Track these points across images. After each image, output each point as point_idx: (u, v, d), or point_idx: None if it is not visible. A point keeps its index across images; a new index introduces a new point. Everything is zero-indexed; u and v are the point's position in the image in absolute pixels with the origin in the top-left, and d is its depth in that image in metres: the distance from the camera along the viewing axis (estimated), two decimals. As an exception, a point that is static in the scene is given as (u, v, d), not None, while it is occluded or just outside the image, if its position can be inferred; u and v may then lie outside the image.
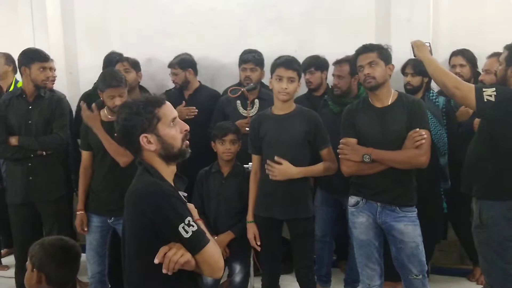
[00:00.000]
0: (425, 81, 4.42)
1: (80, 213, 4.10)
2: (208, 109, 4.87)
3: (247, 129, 4.34)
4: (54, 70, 4.97)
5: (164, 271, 2.14)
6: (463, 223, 4.47)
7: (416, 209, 3.59)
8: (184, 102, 4.90)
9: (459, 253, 5.11)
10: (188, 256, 2.16)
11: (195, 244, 2.18)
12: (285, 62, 3.75)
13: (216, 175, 4.14)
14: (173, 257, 2.13)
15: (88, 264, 4.16)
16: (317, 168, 3.79)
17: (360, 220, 3.66)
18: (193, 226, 2.17)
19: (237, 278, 4.14)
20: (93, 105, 4.01)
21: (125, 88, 3.94)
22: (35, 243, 2.66)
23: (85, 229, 4.10)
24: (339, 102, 4.35)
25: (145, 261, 2.20)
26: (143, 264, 2.23)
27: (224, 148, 4.04)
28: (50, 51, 5.26)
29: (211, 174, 4.17)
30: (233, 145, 4.05)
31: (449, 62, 4.81)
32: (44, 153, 4.25)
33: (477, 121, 4.08)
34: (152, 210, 2.16)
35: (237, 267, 4.11)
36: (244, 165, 4.05)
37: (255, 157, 3.87)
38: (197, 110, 4.83)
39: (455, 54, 4.76)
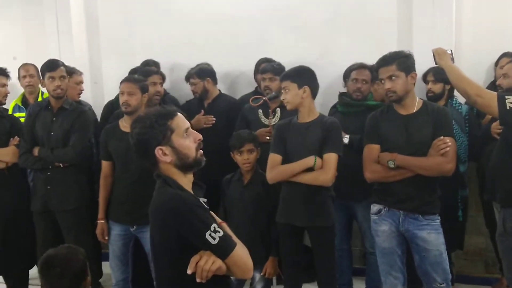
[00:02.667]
0: (446, 88, 4.40)
1: (100, 222, 4.15)
2: (227, 116, 4.91)
3: (267, 137, 4.38)
4: (82, 83, 5.09)
5: (198, 280, 2.19)
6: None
7: (439, 217, 3.57)
8: (202, 111, 4.94)
9: (483, 262, 5.05)
10: (219, 262, 2.20)
11: (223, 249, 2.22)
12: (281, 76, 3.89)
13: (237, 183, 4.15)
14: (204, 266, 2.17)
15: (112, 272, 4.21)
16: (304, 166, 3.68)
17: (383, 228, 3.66)
18: (219, 232, 2.21)
19: (258, 286, 4.14)
20: None
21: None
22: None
23: (106, 237, 4.15)
24: (348, 104, 4.42)
25: (177, 272, 2.25)
26: (175, 275, 2.28)
27: (242, 158, 4.04)
28: (75, 62, 5.41)
29: (232, 182, 4.18)
30: (251, 154, 4.05)
31: (496, 64, 4.76)
32: (61, 165, 4.30)
33: (494, 125, 4.06)
34: (178, 223, 2.21)
35: (257, 276, 4.11)
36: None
37: (275, 156, 3.81)
38: (215, 119, 4.86)
39: (506, 55, 4.67)
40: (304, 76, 3.76)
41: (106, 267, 4.73)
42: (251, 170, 4.12)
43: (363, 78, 4.41)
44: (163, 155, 2.30)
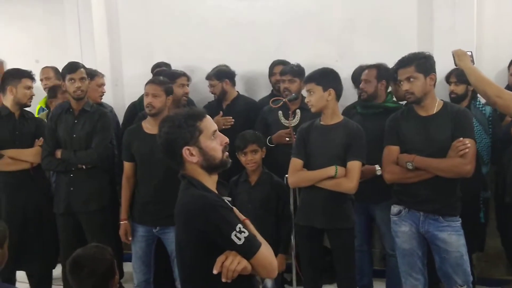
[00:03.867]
0: (470, 90, 4.38)
1: (124, 222, 4.18)
2: (245, 118, 4.93)
3: (287, 139, 4.39)
4: (103, 85, 5.14)
5: (223, 280, 2.21)
6: (510, 232, 4.42)
7: (460, 219, 3.55)
8: (221, 112, 4.97)
9: (505, 264, 5.01)
10: (244, 262, 2.22)
11: (249, 250, 2.24)
12: (305, 78, 3.90)
13: (244, 184, 4.16)
14: (230, 266, 2.20)
15: (134, 273, 4.23)
16: (325, 175, 3.69)
17: (403, 229, 3.65)
18: (244, 233, 2.23)
19: (269, 285, 4.18)
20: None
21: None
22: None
23: (129, 238, 4.18)
24: (367, 105, 4.39)
25: (202, 272, 2.28)
26: (200, 275, 2.31)
27: (246, 159, 4.06)
28: (96, 65, 5.46)
29: (239, 183, 4.20)
30: (255, 155, 4.07)
31: (508, 69, 4.75)
32: (84, 167, 4.35)
33: None
34: (204, 224, 2.23)
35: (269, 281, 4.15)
36: (286, 175, 4.06)
37: (296, 161, 3.82)
38: (233, 120, 4.89)
39: None
40: (329, 79, 3.78)
41: (126, 267, 4.77)
42: (257, 170, 4.14)
43: (365, 78, 4.40)
44: (190, 155, 2.33)
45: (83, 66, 4.45)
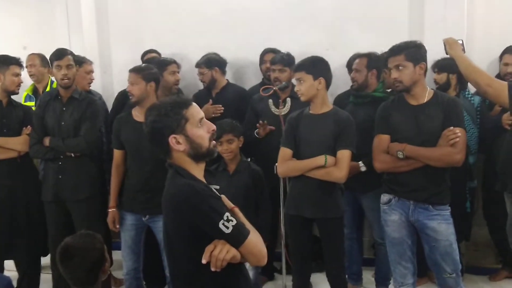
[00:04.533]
0: (451, 78, 4.38)
1: (112, 210, 4.16)
2: (235, 106, 4.92)
3: (272, 128, 4.41)
4: (92, 72, 5.09)
5: (212, 269, 2.20)
6: (497, 221, 4.45)
7: (449, 208, 3.57)
8: (210, 100, 4.95)
9: (494, 253, 5.05)
10: (233, 251, 2.21)
11: (237, 238, 2.23)
12: (295, 66, 3.88)
13: (223, 173, 4.11)
14: (219, 255, 2.19)
15: (124, 261, 4.22)
16: (315, 165, 3.69)
17: (393, 218, 3.66)
18: (232, 221, 2.22)
19: (250, 273, 4.17)
20: None
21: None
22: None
23: (117, 226, 4.16)
24: (357, 95, 4.39)
25: (191, 261, 2.27)
26: (189, 264, 2.30)
27: (222, 148, 4.00)
28: (85, 51, 5.41)
29: (218, 172, 4.16)
30: (230, 144, 4.02)
31: (500, 59, 4.76)
32: (72, 154, 4.31)
33: (505, 117, 4.05)
34: (191, 213, 2.22)
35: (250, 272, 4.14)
36: (276, 164, 4.03)
37: (286, 150, 3.82)
38: (223, 108, 4.87)
39: (507, 51, 4.68)
40: (320, 67, 3.76)
41: (116, 255, 4.76)
42: (235, 159, 4.11)
43: (355, 68, 4.41)
44: (177, 143, 2.31)
45: (71, 53, 4.39)
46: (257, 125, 4.59)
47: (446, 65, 4.29)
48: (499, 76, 4.57)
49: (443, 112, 3.48)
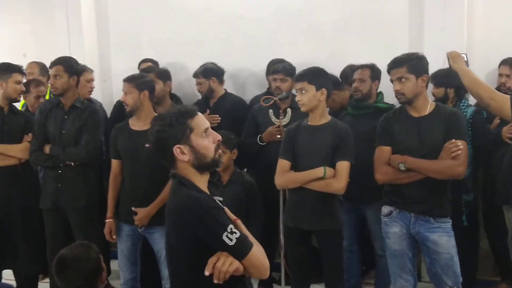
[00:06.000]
0: (449, 92, 4.38)
1: (109, 221, 4.14)
2: (232, 116, 4.91)
3: (278, 136, 4.37)
4: (92, 81, 5.09)
5: (215, 281, 2.19)
6: (497, 233, 4.44)
7: (450, 220, 3.56)
8: (208, 110, 4.94)
9: (491, 265, 5.04)
10: (236, 264, 2.20)
11: (240, 251, 2.22)
12: (296, 76, 3.86)
13: (217, 183, 4.09)
14: (222, 267, 2.18)
15: (121, 271, 4.21)
16: (313, 177, 3.66)
17: (393, 230, 3.65)
18: (236, 233, 2.21)
19: None
20: None
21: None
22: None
23: (114, 236, 4.14)
24: (357, 106, 4.38)
25: (193, 273, 2.26)
26: (191, 275, 2.29)
27: None
28: (85, 59, 5.41)
29: (210, 183, 4.14)
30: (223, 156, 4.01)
31: (499, 67, 4.78)
32: (72, 163, 4.30)
33: (506, 129, 4.06)
34: (195, 225, 2.21)
35: None
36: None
37: (284, 162, 3.80)
38: (220, 118, 4.85)
39: (503, 63, 4.71)
40: (322, 78, 3.75)
41: (114, 265, 4.74)
42: (228, 170, 4.11)
43: (360, 78, 4.39)
44: (181, 154, 2.30)
45: (64, 62, 4.34)
46: (275, 128, 4.52)
47: (443, 80, 4.28)
48: (498, 88, 4.58)
49: (444, 124, 3.48)
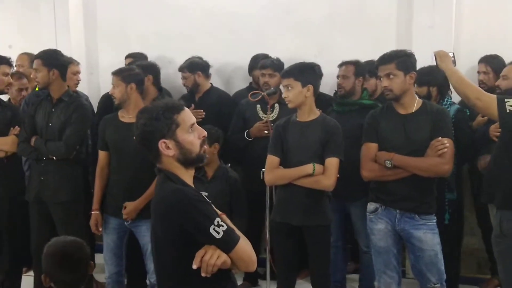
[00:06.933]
0: (432, 90, 4.38)
1: (95, 213, 4.12)
2: (217, 110, 4.89)
3: (266, 131, 4.37)
4: (78, 73, 5.06)
5: (203, 274, 2.19)
6: (489, 230, 4.46)
7: (435, 217, 3.58)
8: (193, 105, 4.92)
9: (476, 262, 5.07)
10: (224, 257, 2.20)
11: (228, 243, 2.22)
12: (282, 72, 3.86)
13: (201, 178, 4.09)
14: (210, 260, 2.18)
15: (106, 264, 4.19)
16: (303, 173, 3.67)
17: (379, 226, 3.66)
18: (223, 226, 2.21)
19: None
20: None
21: None
22: (46, 245, 2.67)
23: (100, 229, 4.12)
24: (342, 102, 4.38)
25: (180, 266, 2.26)
26: (178, 269, 2.29)
27: None
28: (71, 52, 5.35)
29: (195, 178, 4.12)
30: None
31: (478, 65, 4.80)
32: (54, 157, 4.25)
33: (493, 128, 4.07)
34: (181, 218, 2.21)
35: None
36: (263, 170, 4.01)
37: (273, 158, 3.79)
38: (204, 113, 4.83)
39: (481, 61, 4.74)
40: (309, 74, 3.74)
41: (98, 258, 4.72)
42: (212, 165, 4.11)
43: (343, 74, 4.40)
44: (166, 148, 2.29)
45: (44, 56, 4.26)
46: (262, 123, 4.53)
47: (426, 79, 4.28)
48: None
49: (431, 122, 3.50)
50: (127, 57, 5.43)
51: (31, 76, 4.36)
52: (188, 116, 2.35)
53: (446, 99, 4.39)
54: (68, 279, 2.60)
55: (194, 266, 2.18)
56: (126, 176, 3.99)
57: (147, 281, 4.24)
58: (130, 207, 3.94)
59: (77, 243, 2.67)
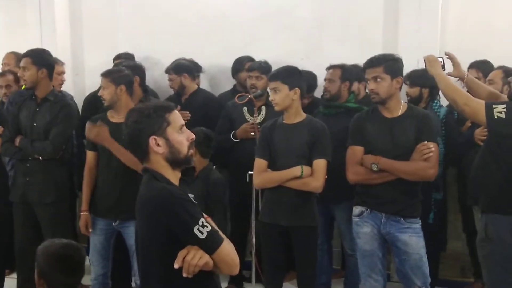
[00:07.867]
0: (424, 92, 4.41)
1: (84, 214, 4.08)
2: (203, 112, 4.87)
3: (252, 133, 4.36)
4: (63, 74, 5.02)
5: (184, 274, 2.19)
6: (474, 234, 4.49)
7: (420, 221, 3.60)
8: (179, 106, 4.88)
9: (460, 266, 5.10)
10: (206, 257, 2.21)
11: (211, 245, 2.22)
12: (270, 75, 3.86)
13: (187, 180, 4.06)
14: (192, 260, 2.18)
15: (92, 266, 4.14)
16: (291, 176, 3.68)
17: (364, 230, 3.67)
18: (207, 227, 2.22)
19: None
20: (99, 121, 3.98)
21: None
22: (40, 247, 2.63)
23: (90, 230, 4.09)
24: (329, 105, 4.39)
25: (163, 266, 2.26)
26: (162, 269, 2.28)
27: None
28: (57, 52, 5.30)
29: (181, 180, 4.08)
30: None
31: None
32: (40, 158, 4.22)
33: (478, 132, 4.10)
34: (167, 216, 2.21)
35: None
36: (249, 172, 4.01)
37: (261, 161, 3.80)
38: (190, 115, 4.79)
39: (471, 66, 4.72)
40: (295, 77, 3.76)
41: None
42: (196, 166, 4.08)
43: (329, 78, 4.41)
44: (157, 145, 2.30)
45: (33, 54, 4.24)
46: (249, 125, 4.53)
47: (419, 80, 4.32)
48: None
49: (416, 126, 3.52)
50: (116, 58, 5.38)
51: (18, 74, 4.31)
52: (178, 117, 2.39)
53: (435, 102, 4.43)
54: (70, 282, 2.57)
55: (176, 266, 2.18)
56: (114, 177, 3.96)
57: (133, 284, 4.21)
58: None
59: (74, 245, 2.65)
